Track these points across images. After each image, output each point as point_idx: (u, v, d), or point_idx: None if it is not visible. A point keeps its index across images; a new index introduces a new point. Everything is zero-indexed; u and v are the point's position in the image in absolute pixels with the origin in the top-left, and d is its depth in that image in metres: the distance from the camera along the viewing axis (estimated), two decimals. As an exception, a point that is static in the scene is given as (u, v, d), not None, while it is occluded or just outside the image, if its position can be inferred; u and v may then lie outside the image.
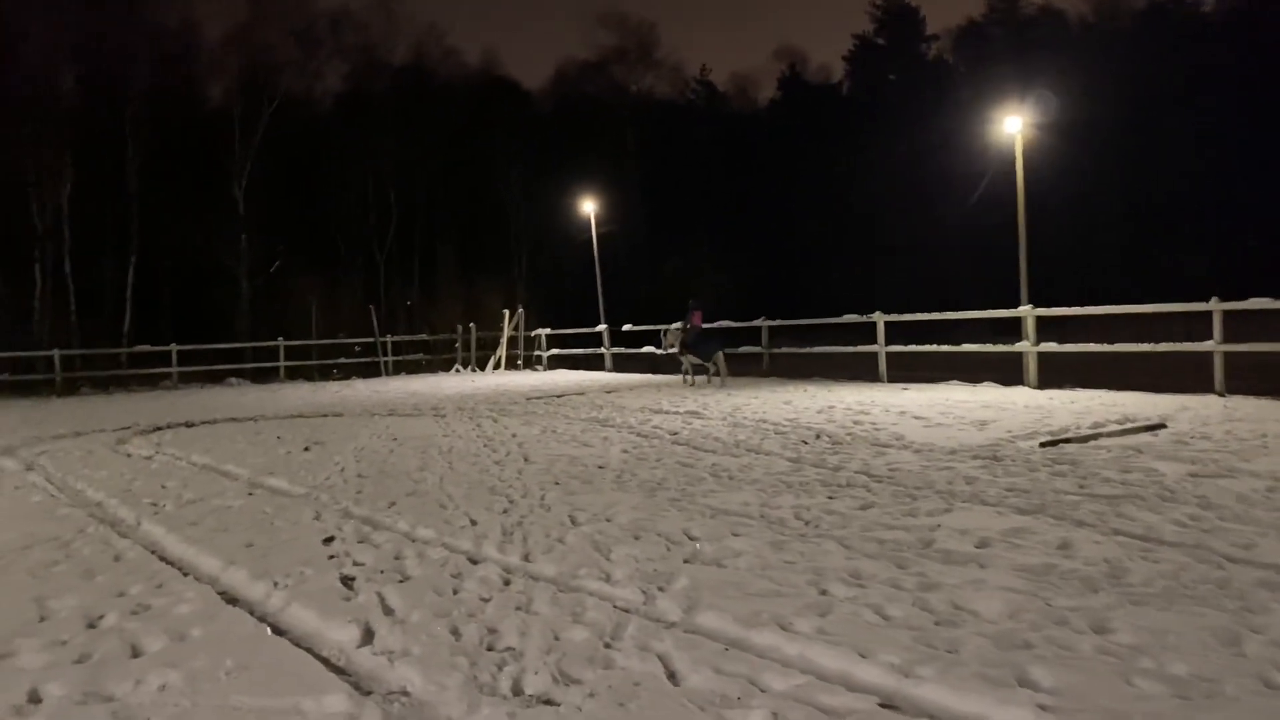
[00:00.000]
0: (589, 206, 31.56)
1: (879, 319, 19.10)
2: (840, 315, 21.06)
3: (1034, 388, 15.71)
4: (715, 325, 22.55)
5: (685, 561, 5.29)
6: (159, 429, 14.55)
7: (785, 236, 52.16)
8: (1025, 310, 16.60)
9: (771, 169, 53.93)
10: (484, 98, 50.37)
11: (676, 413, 13.76)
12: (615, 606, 4.49)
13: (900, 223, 49.54)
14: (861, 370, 19.60)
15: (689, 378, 20.31)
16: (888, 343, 18.92)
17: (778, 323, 22.20)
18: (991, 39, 58.15)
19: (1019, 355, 16.66)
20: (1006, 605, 4.31)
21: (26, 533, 6.71)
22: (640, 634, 4.08)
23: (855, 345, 20.15)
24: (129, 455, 11.31)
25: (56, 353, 27.15)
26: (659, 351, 22.03)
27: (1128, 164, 46.15)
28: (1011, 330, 17.91)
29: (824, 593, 4.62)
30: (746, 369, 22.22)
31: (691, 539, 5.82)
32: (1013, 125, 18.25)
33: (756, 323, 22.29)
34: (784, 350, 22.37)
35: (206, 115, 41.68)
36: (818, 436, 10.45)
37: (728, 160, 54.48)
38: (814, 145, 53.89)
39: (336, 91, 48.87)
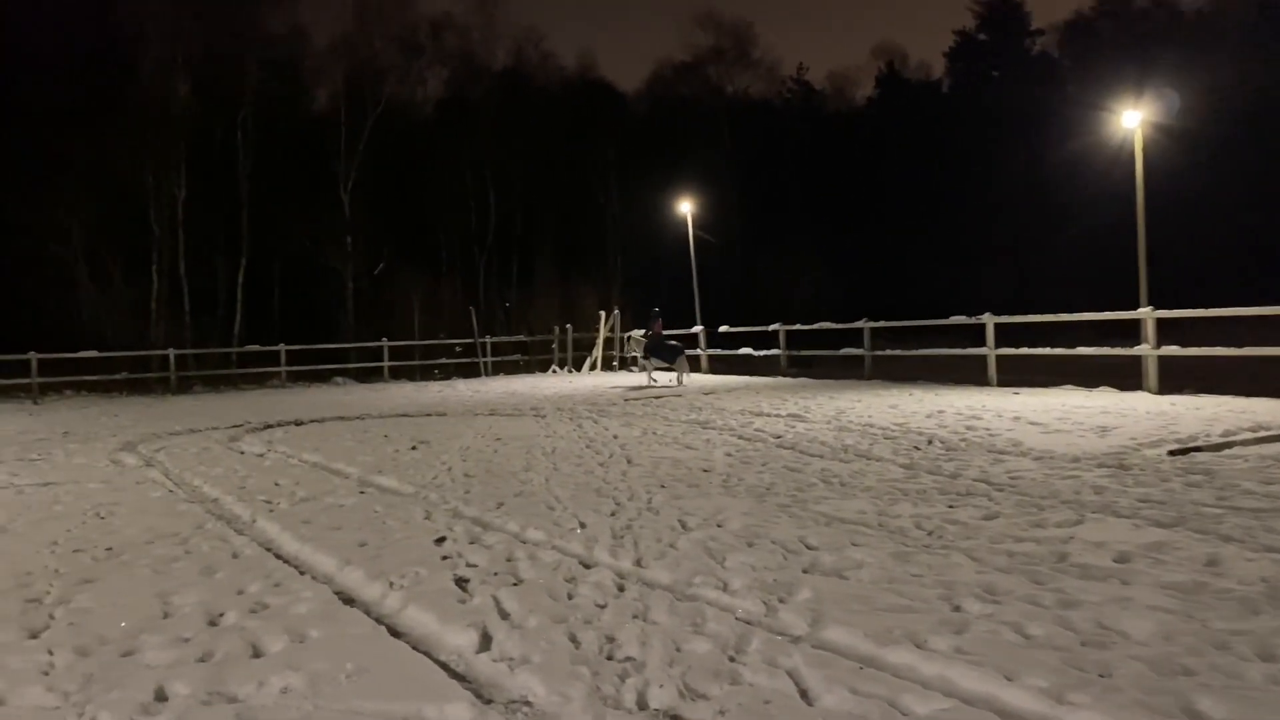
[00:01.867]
0: (685, 207, 31.44)
1: (988, 320, 18.53)
2: (946, 316, 20.49)
3: (1154, 393, 15.01)
4: (674, 333, 25.94)
5: (804, 571, 5.10)
6: (270, 427, 14.90)
7: (886, 236, 51.21)
8: (1145, 312, 15.88)
9: (870, 168, 53.03)
10: (581, 100, 50.72)
11: (778, 415, 13.52)
12: (736, 618, 4.34)
13: (1006, 222, 48.20)
14: (968, 373, 19.03)
15: (651, 375, 23.43)
16: (996, 345, 18.34)
17: (880, 324, 21.72)
18: (1101, 33, 56.16)
19: (1136, 359, 15.94)
20: (1158, 626, 4.02)
21: (148, 527, 6.86)
22: (766, 648, 3.92)
23: (962, 348, 19.59)
24: (242, 452, 11.57)
25: (171, 352, 28.16)
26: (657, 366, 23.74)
27: (1248, 161, 44.03)
28: (1124, 333, 17.17)
29: (957, 609, 4.38)
30: (848, 372, 21.84)
31: (809, 547, 5.63)
32: (1131, 119, 17.49)
33: (858, 324, 21.86)
34: (886, 353, 21.88)
35: (313, 121, 42.87)
36: (930, 442, 10.12)
37: (825, 160, 53.76)
38: (914, 144, 52.81)
39: (438, 96, 49.81)
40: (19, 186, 31.61)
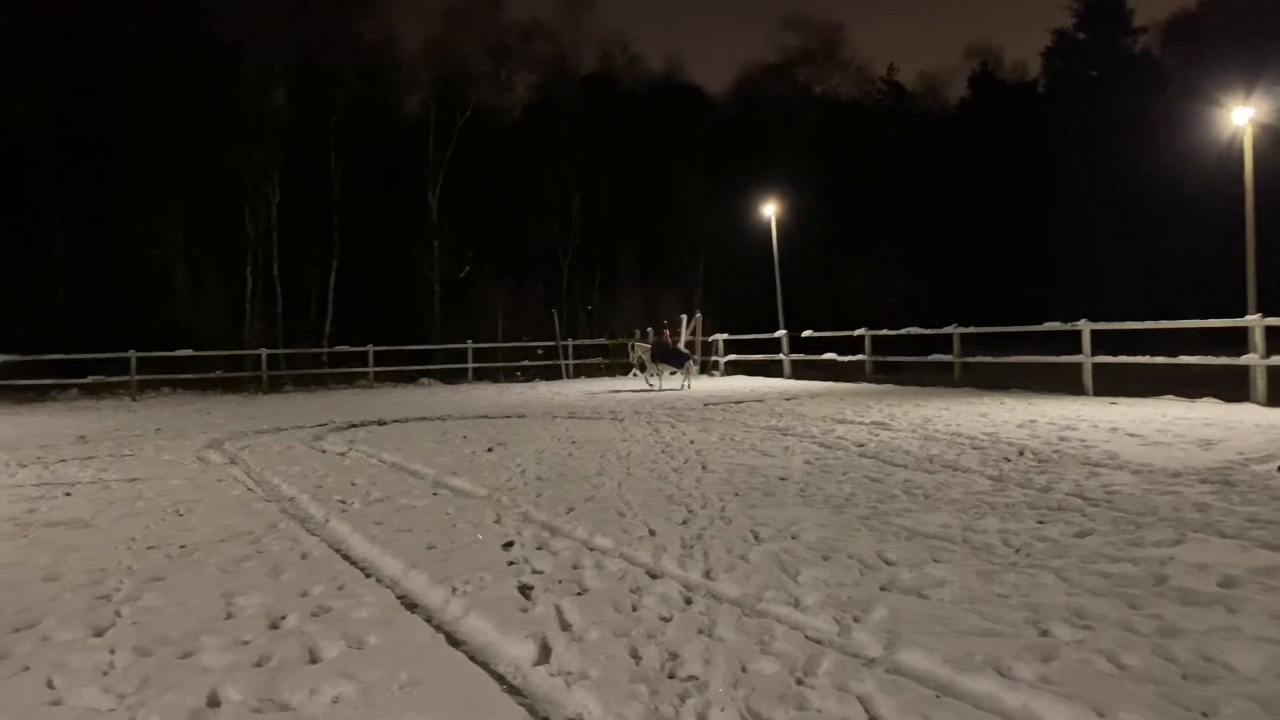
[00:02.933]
0: (769, 210, 31.08)
1: (1084, 327, 17.83)
2: (1040, 322, 19.78)
3: (1263, 405, 14.23)
4: (680, 343, 26.89)
5: (882, 589, 4.86)
6: (353, 426, 15.09)
7: (977, 240, 49.91)
8: (1253, 320, 15.09)
9: (962, 170, 51.79)
10: (666, 103, 50.65)
11: (861, 423, 13.17)
12: (806, 637, 4.12)
13: (1105, 225, 46.59)
14: (1062, 382, 18.33)
15: (652, 380, 24.34)
16: (1093, 353, 17.64)
17: (971, 330, 21.11)
18: (1206, 30, 53.89)
19: (1243, 370, 15.15)
20: (1270, 661, 3.69)
21: (223, 526, 6.92)
22: (837, 671, 3.70)
23: (1056, 355, 18.90)
24: (323, 451, 11.71)
25: (264, 351, 28.87)
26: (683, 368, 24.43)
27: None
28: (1230, 342, 16.35)
29: (1045, 633, 4.10)
30: (936, 379, 21.27)
31: (888, 563, 5.37)
32: (1240, 118, 16.67)
33: (948, 330, 21.29)
34: (977, 359, 21.24)
35: (403, 126, 43.62)
36: (1021, 453, 9.70)
37: (915, 161, 52.67)
38: (1008, 145, 51.40)
39: (524, 101, 50.23)
40: (123, 191, 32.80)
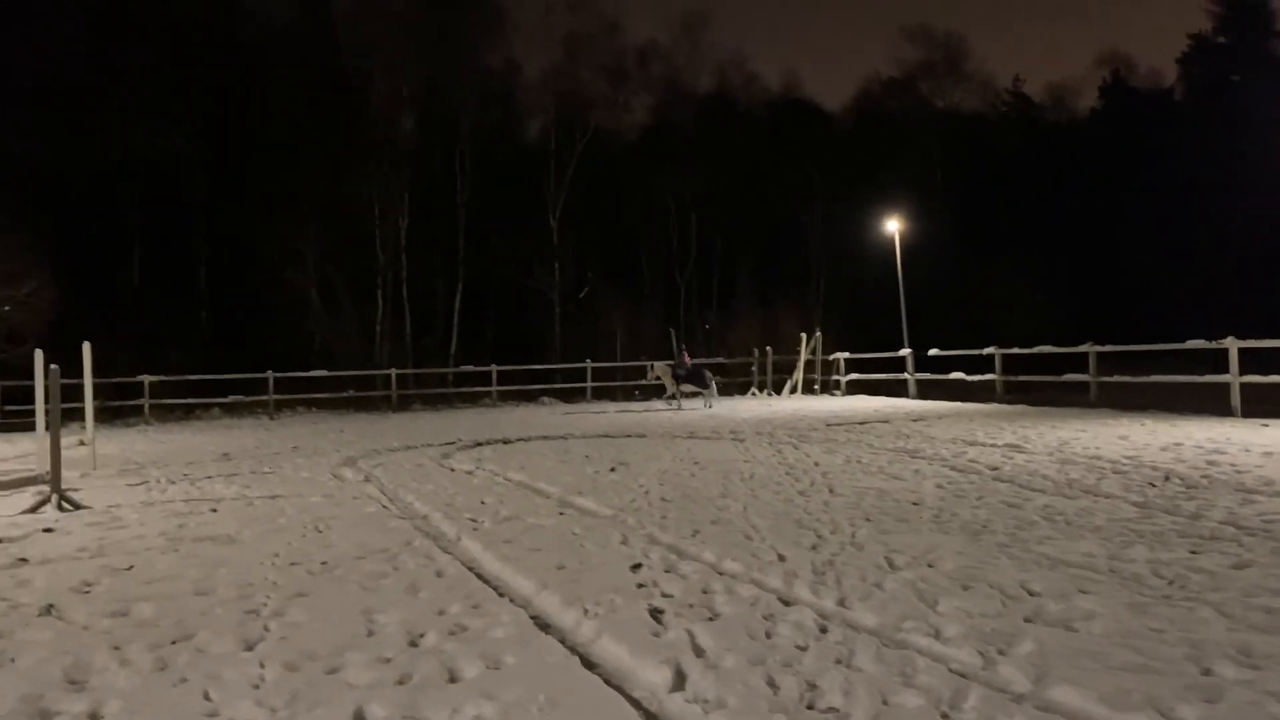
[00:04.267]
0: (892, 226, 30.55)
1: (1231, 344, 16.92)
2: (1182, 340, 18.85)
3: None
4: (702, 361, 27.92)
5: (1026, 620, 4.66)
6: (479, 445, 15.40)
7: (1112, 255, 47.95)
8: None
9: (1095, 182, 49.90)
10: (784, 121, 50.42)
11: (994, 445, 12.76)
12: (950, 669, 3.98)
13: (1250, 237, 44.19)
14: (1206, 402, 17.42)
15: (674, 402, 24.93)
16: (1241, 371, 16.71)
17: (1108, 348, 20.27)
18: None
19: None
20: None
21: (360, 543, 7.12)
22: (984, 706, 3.56)
23: (1200, 374, 17.98)
24: (452, 470, 11.96)
25: (394, 371, 29.81)
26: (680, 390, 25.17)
27: None
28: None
29: (1207, 672, 3.86)
30: (1070, 399, 20.48)
31: (1031, 593, 5.16)
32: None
33: (1082, 348, 20.51)
34: (1114, 379, 20.37)
35: (525, 150, 44.58)
36: (1166, 478, 9.23)
37: (1044, 174, 51.04)
38: (1144, 155, 49.32)
39: (642, 122, 50.70)
40: (260, 218, 34.41)
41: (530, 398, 30.69)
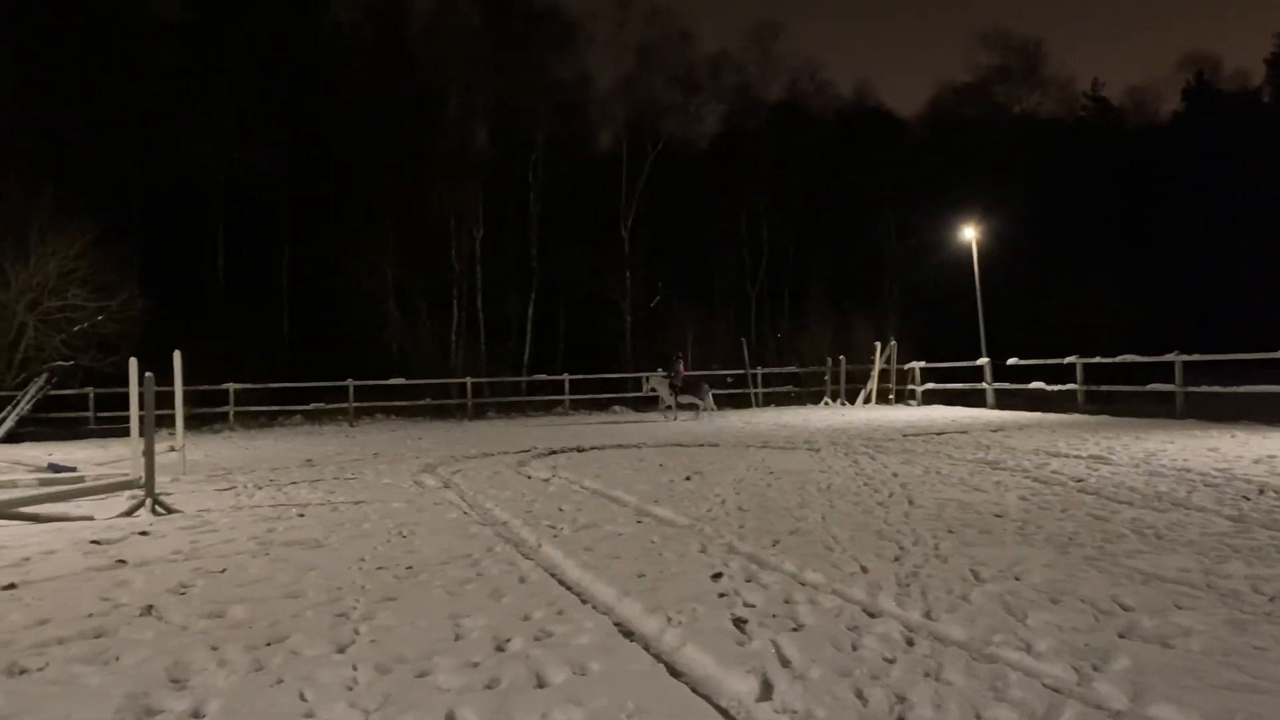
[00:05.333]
0: (969, 233, 30.07)
1: (1328, 354, 16.30)
2: (1273, 349, 18.22)
3: None
4: (699, 373, 28.34)
5: (1120, 636, 4.55)
6: (554, 453, 15.52)
7: (1198, 261, 46.54)
8: None
9: (1179, 187, 48.52)
10: (856, 128, 50.00)
11: (1078, 456, 12.47)
12: (1044, 684, 3.91)
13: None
14: (1302, 414, 16.82)
15: (672, 413, 24.92)
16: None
17: (1195, 357, 19.68)
18: None
19: None
20: None
21: (443, 548, 7.23)
22: (1081, 723, 3.49)
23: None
24: (529, 477, 12.08)
25: (469, 380, 30.25)
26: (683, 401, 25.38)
27: None
28: None
29: (1317, 694, 3.74)
30: (1155, 410, 19.92)
31: (1124, 608, 5.04)
32: None
33: (1168, 357, 19.95)
34: (1202, 389, 19.77)
35: (597, 161, 44.94)
36: (1261, 491, 8.93)
37: (1126, 179, 49.79)
38: (1230, 158, 47.83)
39: (714, 132, 50.72)
40: (341, 231, 35.21)
41: (602, 406, 30.84)
